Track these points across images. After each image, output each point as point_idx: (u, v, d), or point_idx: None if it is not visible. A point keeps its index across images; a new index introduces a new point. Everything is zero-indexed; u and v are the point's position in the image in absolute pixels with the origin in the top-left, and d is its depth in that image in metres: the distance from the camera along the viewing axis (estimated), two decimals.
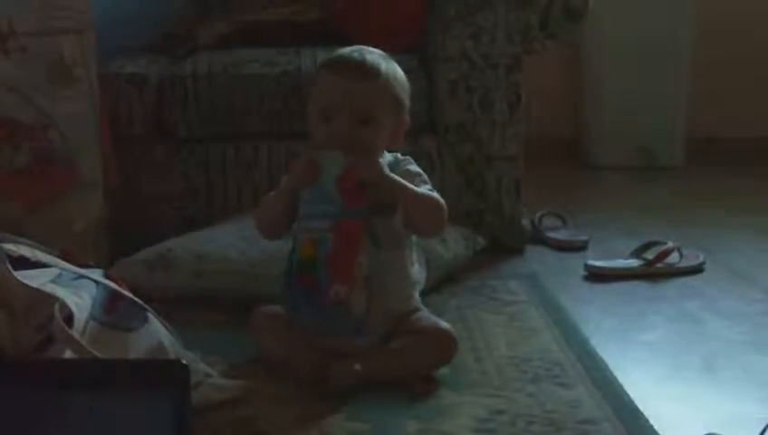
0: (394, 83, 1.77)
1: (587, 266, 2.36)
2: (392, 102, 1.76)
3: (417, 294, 1.83)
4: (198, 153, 2.39)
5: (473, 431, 1.53)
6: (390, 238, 1.74)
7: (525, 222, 2.55)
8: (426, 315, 1.79)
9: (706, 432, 1.50)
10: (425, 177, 1.80)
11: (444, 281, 2.20)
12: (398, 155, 1.82)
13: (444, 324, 1.75)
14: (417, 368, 1.71)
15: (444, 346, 1.73)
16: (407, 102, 1.79)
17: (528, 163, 2.49)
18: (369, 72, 1.74)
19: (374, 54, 1.77)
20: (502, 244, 2.46)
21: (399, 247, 1.77)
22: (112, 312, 1.47)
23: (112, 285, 1.51)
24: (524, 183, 2.48)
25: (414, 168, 1.81)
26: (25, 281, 1.40)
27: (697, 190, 3.21)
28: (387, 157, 1.79)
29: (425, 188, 1.77)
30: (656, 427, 1.54)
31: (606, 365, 1.78)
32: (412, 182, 1.76)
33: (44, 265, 1.48)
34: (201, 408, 1.48)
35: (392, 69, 1.78)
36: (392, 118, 1.76)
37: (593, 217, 2.82)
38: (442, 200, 1.77)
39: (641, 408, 1.60)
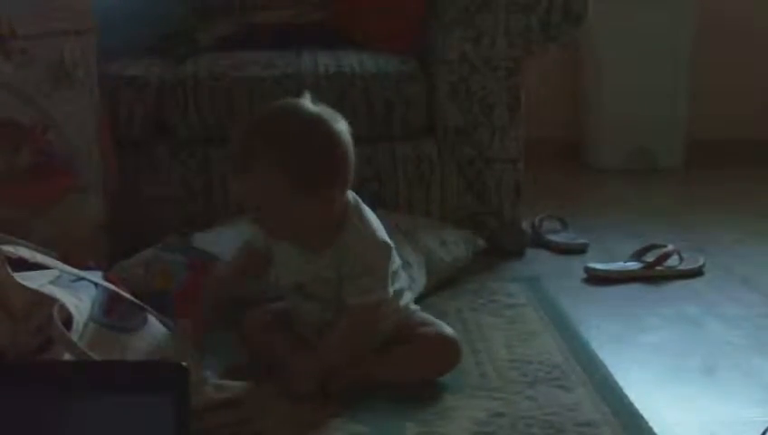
0: None
1: (587, 269, 2.36)
2: None
3: (405, 298, 1.78)
4: (198, 155, 2.39)
5: (472, 434, 1.53)
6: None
7: (525, 225, 2.55)
8: (430, 321, 1.77)
9: None
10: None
11: (444, 284, 2.20)
12: None
13: (448, 331, 1.74)
14: (421, 375, 1.70)
15: (448, 354, 1.72)
16: None
17: (528, 166, 2.49)
18: None
19: None
20: (502, 247, 2.46)
21: None
22: (112, 313, 1.47)
23: (112, 286, 1.51)
24: (524, 186, 2.48)
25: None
26: (24, 282, 1.40)
27: (697, 193, 3.21)
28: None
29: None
30: (655, 430, 1.54)
31: (606, 368, 1.78)
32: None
33: (44, 267, 1.48)
34: (200, 409, 1.48)
35: None
36: None
37: (593, 220, 2.82)
38: (361, 314, 1.68)
39: (641, 410, 1.60)
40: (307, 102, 1.65)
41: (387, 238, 1.70)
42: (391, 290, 1.70)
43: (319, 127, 1.63)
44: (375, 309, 1.68)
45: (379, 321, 1.69)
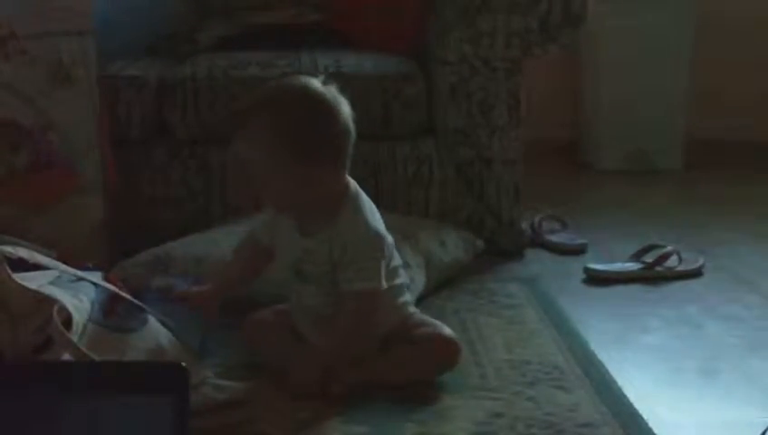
0: None
1: (586, 270, 2.36)
2: None
3: (405, 297, 1.79)
4: (198, 155, 2.39)
5: (471, 434, 1.53)
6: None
7: (524, 225, 2.55)
8: (429, 322, 1.77)
9: None
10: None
11: (443, 284, 2.20)
12: None
13: (447, 331, 1.74)
14: (420, 375, 1.70)
15: (447, 354, 1.71)
16: None
17: (527, 166, 2.49)
18: None
19: None
20: (501, 247, 2.46)
21: None
22: (111, 314, 1.47)
23: (111, 287, 1.51)
24: (523, 186, 2.48)
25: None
26: (24, 283, 1.40)
27: (696, 193, 3.21)
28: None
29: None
30: (654, 430, 1.54)
31: (605, 368, 1.78)
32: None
33: (43, 268, 1.48)
34: (200, 409, 1.48)
35: None
36: None
37: (592, 221, 2.82)
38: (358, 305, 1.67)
39: (640, 411, 1.60)
40: (316, 81, 1.69)
41: (381, 230, 1.70)
42: (385, 283, 1.68)
43: (319, 101, 1.66)
44: (368, 299, 1.67)
45: (375, 311, 1.69)
